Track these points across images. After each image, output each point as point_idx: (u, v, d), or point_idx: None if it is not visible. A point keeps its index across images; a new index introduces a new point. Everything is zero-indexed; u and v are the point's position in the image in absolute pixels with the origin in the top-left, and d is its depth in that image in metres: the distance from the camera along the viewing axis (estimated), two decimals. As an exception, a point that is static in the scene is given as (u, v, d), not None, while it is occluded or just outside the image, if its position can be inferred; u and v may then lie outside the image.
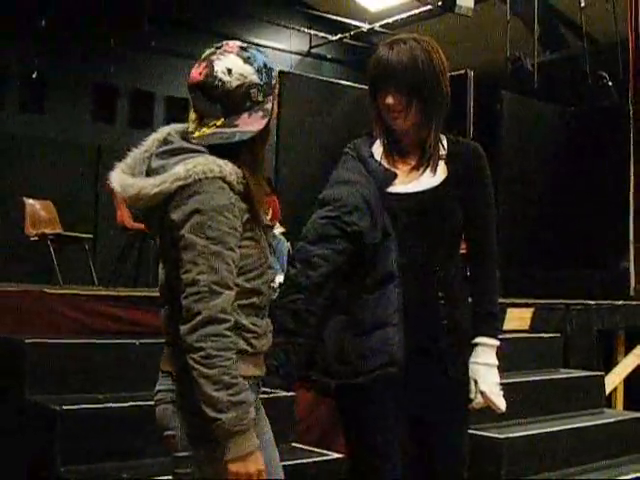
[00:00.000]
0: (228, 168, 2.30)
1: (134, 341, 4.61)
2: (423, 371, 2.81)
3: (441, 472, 2.89)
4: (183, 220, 2.25)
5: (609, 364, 7.63)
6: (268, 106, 2.41)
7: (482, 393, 2.88)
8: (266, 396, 4.61)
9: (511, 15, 11.94)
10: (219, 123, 2.35)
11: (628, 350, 7.88)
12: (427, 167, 2.89)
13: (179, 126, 2.49)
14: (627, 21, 10.04)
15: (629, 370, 7.73)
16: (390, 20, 13.74)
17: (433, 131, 2.89)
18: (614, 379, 7.51)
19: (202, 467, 2.35)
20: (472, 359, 2.91)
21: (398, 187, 2.87)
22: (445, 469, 2.91)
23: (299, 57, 14.44)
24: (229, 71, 2.33)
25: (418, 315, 2.78)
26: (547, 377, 6.06)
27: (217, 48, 2.39)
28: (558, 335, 6.70)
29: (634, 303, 8.56)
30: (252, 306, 2.39)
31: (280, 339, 2.70)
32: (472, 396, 2.90)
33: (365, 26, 14.19)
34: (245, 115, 2.36)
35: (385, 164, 2.91)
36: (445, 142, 2.95)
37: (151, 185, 2.29)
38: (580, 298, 7.58)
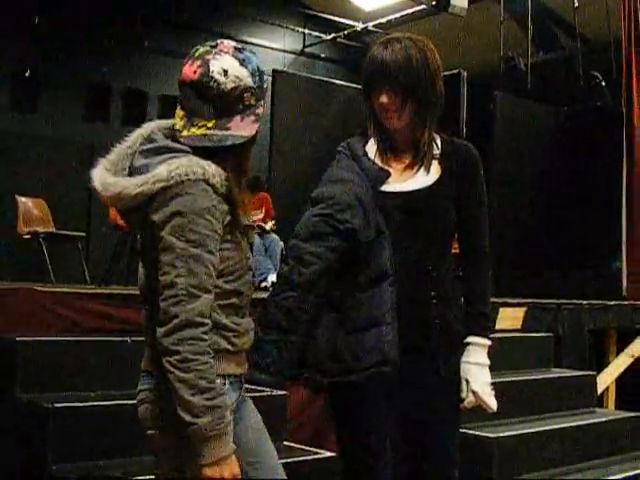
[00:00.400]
0: (211, 170, 2.28)
1: (126, 339, 4.61)
2: (415, 370, 2.81)
3: (432, 471, 2.89)
4: (164, 221, 2.23)
5: (601, 364, 7.65)
6: (259, 110, 2.40)
7: (474, 393, 2.88)
8: (258, 394, 4.63)
9: (505, 15, 11.95)
10: (210, 124, 2.33)
11: (620, 350, 7.90)
12: (421, 166, 2.89)
13: (164, 122, 2.46)
14: (620, 21, 10.07)
15: (621, 370, 7.75)
16: (384, 20, 13.74)
17: (427, 130, 2.89)
18: (606, 379, 7.53)
19: (183, 468, 2.33)
20: (464, 358, 2.91)
21: (392, 186, 2.87)
22: (436, 468, 2.91)
23: (293, 56, 14.42)
24: (225, 72, 2.31)
25: (410, 314, 2.78)
26: (539, 377, 6.07)
27: (212, 47, 2.36)
28: (550, 335, 6.71)
29: (626, 303, 8.59)
30: (232, 306, 2.38)
31: (272, 336, 2.70)
32: (463, 395, 2.90)
33: (359, 25, 14.18)
34: (237, 118, 2.35)
35: (379, 163, 2.91)
36: (439, 141, 2.96)
37: (133, 185, 2.26)
38: (572, 298, 7.60)
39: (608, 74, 11.36)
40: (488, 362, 2.93)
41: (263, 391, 4.66)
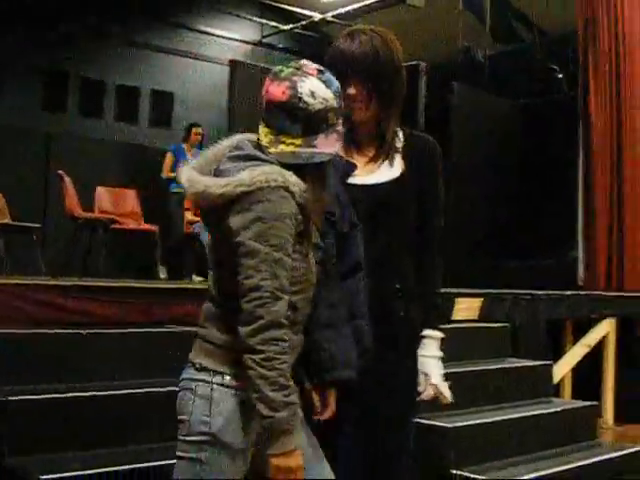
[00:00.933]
0: (292, 179, 2.40)
1: (81, 331, 4.58)
2: (381, 362, 2.81)
3: (387, 460, 2.90)
4: (245, 227, 2.36)
5: (557, 354, 7.70)
6: (340, 128, 2.54)
7: (433, 385, 2.90)
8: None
9: (463, 7, 11.99)
10: (298, 142, 2.46)
11: (576, 340, 7.97)
12: (385, 159, 2.90)
13: (251, 135, 2.59)
14: (577, 14, 10.13)
15: (577, 359, 7.81)
16: (342, 10, 13.72)
17: (391, 122, 2.90)
18: (562, 368, 7.59)
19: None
20: (420, 352, 2.93)
21: (357, 179, 2.88)
22: (392, 457, 2.91)
23: (251, 46, 14.35)
24: (313, 94, 2.45)
25: (376, 307, 2.78)
26: (496, 366, 6.10)
27: (296, 69, 2.49)
28: (507, 325, 6.75)
29: (582, 293, 8.66)
30: (287, 319, 2.44)
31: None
32: (421, 389, 2.92)
33: (317, 16, 14.15)
34: (322, 136, 2.48)
35: (343, 155, 2.91)
36: (401, 135, 2.96)
37: (217, 185, 2.39)
38: (529, 288, 7.64)
39: (565, 66, 11.44)
40: (441, 354, 2.96)
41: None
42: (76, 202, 9.19)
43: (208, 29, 13.59)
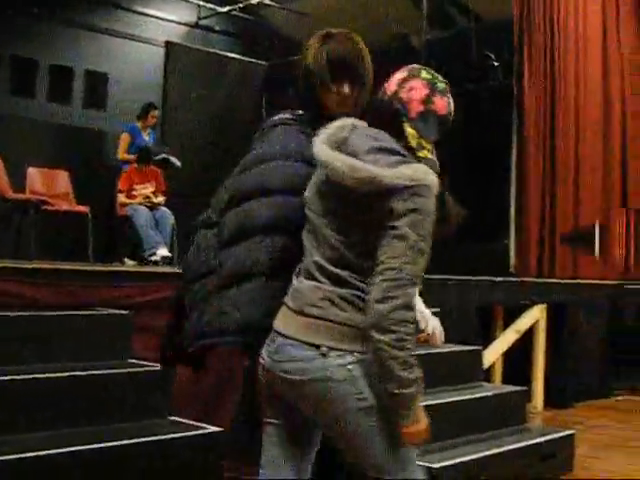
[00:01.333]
0: (436, 180, 2.59)
1: (7, 314, 4.53)
2: None
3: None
4: (403, 214, 2.51)
5: (488, 339, 7.77)
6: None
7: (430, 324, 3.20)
8: (142, 369, 4.58)
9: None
10: (431, 149, 2.71)
11: (507, 325, 8.05)
12: None
13: (358, 122, 2.77)
14: (513, 1, 10.21)
15: (507, 345, 7.89)
16: (280, -6, 13.67)
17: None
18: (492, 354, 7.66)
19: None
20: None
21: None
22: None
23: (187, 28, 14.22)
24: (453, 111, 2.77)
25: None
26: (425, 351, 6.08)
27: (445, 83, 2.81)
28: (437, 310, 6.76)
29: (513, 279, 8.76)
30: None
31: None
32: (422, 325, 3.18)
33: (255, -2, 14.09)
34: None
35: None
36: None
37: (386, 176, 2.50)
38: (460, 273, 7.69)
39: (501, 53, 11.53)
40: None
41: (146, 366, 4.62)
42: (6, 183, 9.06)
43: (144, 10, 13.42)
